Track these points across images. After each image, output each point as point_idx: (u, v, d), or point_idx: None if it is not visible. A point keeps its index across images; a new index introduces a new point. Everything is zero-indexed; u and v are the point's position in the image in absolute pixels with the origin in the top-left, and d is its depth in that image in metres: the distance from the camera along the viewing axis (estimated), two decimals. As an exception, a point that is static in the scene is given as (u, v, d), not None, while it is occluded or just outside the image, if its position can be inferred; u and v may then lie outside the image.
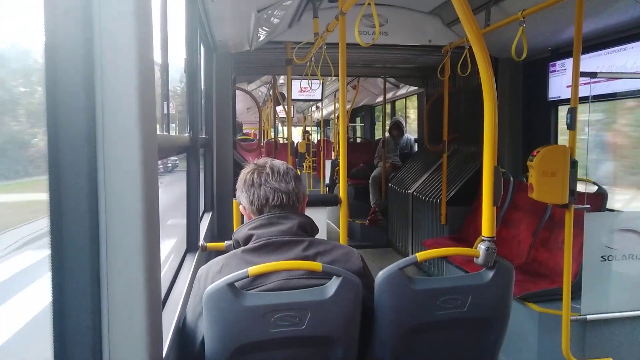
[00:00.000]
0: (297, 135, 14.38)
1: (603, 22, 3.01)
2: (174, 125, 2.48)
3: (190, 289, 1.61)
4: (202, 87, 3.18)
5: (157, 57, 1.85)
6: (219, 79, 3.88)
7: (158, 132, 1.17)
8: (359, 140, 9.43)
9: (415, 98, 6.96)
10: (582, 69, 2.43)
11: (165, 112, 2.08)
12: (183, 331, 1.45)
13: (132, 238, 0.91)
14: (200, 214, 2.96)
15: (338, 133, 8.60)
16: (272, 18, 3.32)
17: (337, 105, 8.88)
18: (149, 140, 0.95)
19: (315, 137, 13.64)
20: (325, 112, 10.59)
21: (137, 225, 0.91)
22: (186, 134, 2.43)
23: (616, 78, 3.07)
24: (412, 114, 7.86)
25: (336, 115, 9.23)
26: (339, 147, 8.92)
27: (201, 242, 2.35)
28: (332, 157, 9.18)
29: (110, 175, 0.88)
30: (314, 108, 11.56)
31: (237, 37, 3.50)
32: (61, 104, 0.83)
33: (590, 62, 3.30)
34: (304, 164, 9.32)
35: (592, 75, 2.54)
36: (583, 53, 2.49)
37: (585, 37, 2.67)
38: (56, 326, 0.85)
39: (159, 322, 1.06)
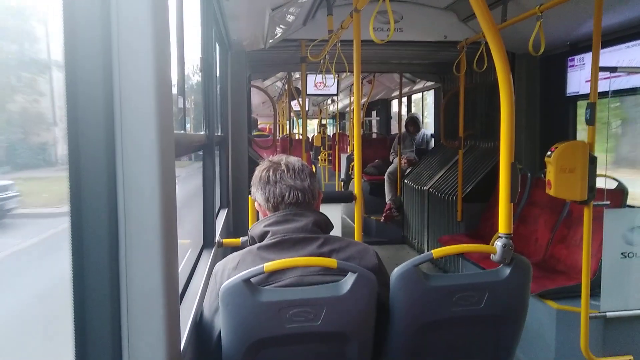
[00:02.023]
0: (313, 127, 14.35)
1: (623, 15, 2.94)
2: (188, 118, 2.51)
3: (206, 284, 1.64)
4: (218, 85, 3.20)
5: (174, 56, 1.87)
6: (234, 77, 3.91)
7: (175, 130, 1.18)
8: (374, 135, 9.40)
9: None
10: (602, 63, 2.38)
11: (183, 109, 2.10)
12: (200, 326, 1.47)
13: (150, 234, 0.92)
14: (216, 211, 2.98)
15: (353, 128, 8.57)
16: (287, 16, 3.33)
17: (352, 99, 8.85)
18: (167, 138, 0.97)
19: (330, 130, 13.62)
20: (341, 105, 10.56)
21: (155, 222, 0.92)
22: (202, 132, 2.46)
23: (637, 72, 3.00)
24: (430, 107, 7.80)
25: (351, 108, 9.20)
26: (354, 142, 8.87)
27: (217, 238, 2.38)
28: (348, 151, 9.17)
29: (129, 173, 0.90)
30: (329, 101, 11.54)
31: (252, 35, 3.52)
32: (80, 104, 0.85)
33: (610, 56, 3.24)
34: (319, 157, 9.33)
35: (612, 69, 2.49)
36: (602, 47, 2.44)
37: (605, 30, 2.62)
38: (77, 320, 0.87)
39: (177, 317, 1.08)
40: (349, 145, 9.64)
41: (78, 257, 0.86)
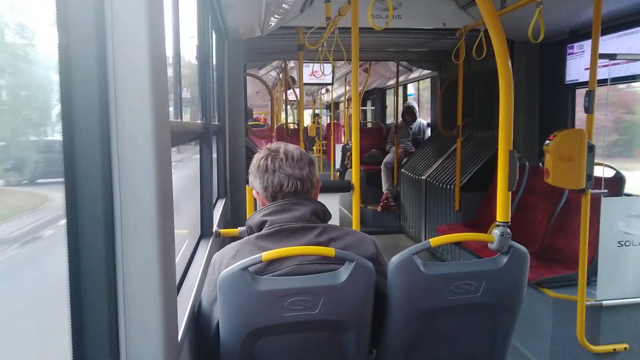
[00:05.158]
0: (306, 118, 14.33)
1: (623, 2, 2.92)
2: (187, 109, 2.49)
3: (204, 274, 1.63)
4: (214, 73, 3.17)
5: (169, 44, 1.84)
6: (230, 65, 3.87)
7: (172, 118, 1.17)
8: (369, 125, 9.36)
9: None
10: (601, 50, 2.37)
11: (179, 98, 2.08)
12: (198, 316, 1.47)
13: (146, 224, 0.91)
14: (214, 201, 2.98)
15: (349, 117, 8.58)
16: (284, 3, 3.29)
17: (347, 88, 8.82)
18: (162, 127, 0.95)
19: (324, 120, 13.58)
20: (335, 94, 10.51)
21: (151, 212, 0.91)
22: (199, 121, 2.44)
23: (636, 60, 2.99)
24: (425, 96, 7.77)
25: (347, 97, 9.17)
26: (349, 132, 8.91)
27: (215, 228, 2.37)
28: (342, 141, 9.16)
29: (124, 162, 0.89)
30: (323, 91, 11.48)
31: (248, 23, 3.48)
32: (74, 92, 0.84)
33: (610, 43, 3.22)
34: (314, 147, 9.31)
35: (612, 57, 2.47)
36: (602, 34, 2.42)
37: (605, 17, 2.60)
38: (73, 310, 0.86)
39: (174, 307, 1.08)
40: (344, 135, 9.62)
41: (74, 248, 0.85)
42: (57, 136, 0.85)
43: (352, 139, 2.57)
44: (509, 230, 1.52)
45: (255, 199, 1.59)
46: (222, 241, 2.44)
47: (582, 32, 3.59)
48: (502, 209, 1.59)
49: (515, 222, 3.56)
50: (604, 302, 2.53)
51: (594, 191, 2.39)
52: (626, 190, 2.94)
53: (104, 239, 0.87)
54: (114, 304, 0.91)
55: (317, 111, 11.96)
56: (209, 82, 2.59)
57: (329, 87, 9.52)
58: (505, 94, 1.55)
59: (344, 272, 1.33)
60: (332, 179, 7.90)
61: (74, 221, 0.85)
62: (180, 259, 1.95)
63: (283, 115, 9.46)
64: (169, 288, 0.99)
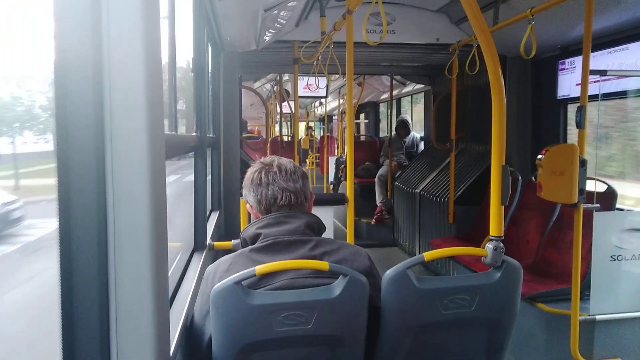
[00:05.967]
0: (300, 130, 14.36)
1: (614, 19, 2.98)
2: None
3: (197, 287, 1.62)
4: (210, 86, 3.18)
5: (165, 56, 1.85)
6: (226, 78, 3.89)
7: (166, 131, 1.17)
8: (362, 138, 9.40)
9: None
10: (592, 66, 2.40)
11: (174, 110, 2.08)
12: (190, 329, 1.45)
13: (140, 237, 0.91)
14: (208, 213, 2.96)
15: (343, 130, 8.61)
16: (280, 17, 3.32)
17: (341, 101, 8.88)
18: (157, 140, 0.95)
19: (317, 133, 13.61)
20: (329, 107, 10.55)
21: (144, 224, 0.91)
22: (194, 133, 2.44)
23: (627, 76, 3.04)
24: (419, 112, 7.83)
25: (340, 110, 9.21)
26: (343, 145, 8.94)
27: (208, 241, 2.36)
28: (335, 154, 9.19)
29: (118, 175, 0.89)
30: (317, 104, 11.53)
31: (244, 36, 3.50)
32: (69, 104, 0.84)
33: (601, 59, 3.27)
34: (307, 160, 9.34)
35: (602, 73, 2.51)
36: (593, 51, 2.46)
37: (596, 34, 2.64)
38: (64, 323, 0.85)
39: (166, 321, 1.07)
40: (338, 148, 9.66)
41: (66, 261, 0.85)
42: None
43: (347, 152, 2.58)
44: (502, 244, 1.52)
45: (249, 213, 1.58)
46: (216, 254, 2.42)
47: (573, 49, 3.65)
48: (495, 223, 1.60)
49: (509, 236, 3.59)
50: (597, 316, 2.53)
51: (586, 205, 2.41)
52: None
53: (96, 251, 0.87)
54: (106, 317, 0.90)
55: (310, 124, 12.01)
56: (205, 94, 2.60)
57: (323, 100, 9.56)
58: (497, 109, 1.57)
59: (337, 286, 1.32)
60: (325, 191, 7.89)
61: (67, 232, 0.85)
62: (173, 271, 1.93)
63: (277, 128, 9.48)
64: (161, 301, 0.98)
